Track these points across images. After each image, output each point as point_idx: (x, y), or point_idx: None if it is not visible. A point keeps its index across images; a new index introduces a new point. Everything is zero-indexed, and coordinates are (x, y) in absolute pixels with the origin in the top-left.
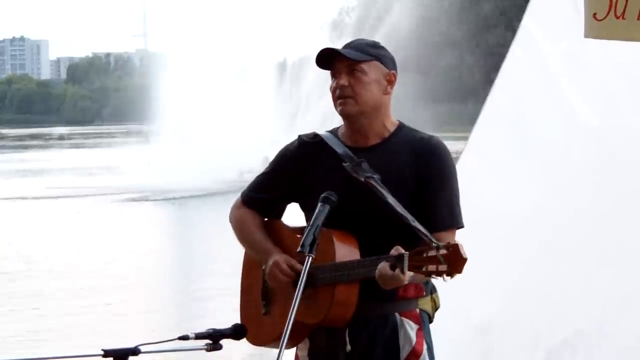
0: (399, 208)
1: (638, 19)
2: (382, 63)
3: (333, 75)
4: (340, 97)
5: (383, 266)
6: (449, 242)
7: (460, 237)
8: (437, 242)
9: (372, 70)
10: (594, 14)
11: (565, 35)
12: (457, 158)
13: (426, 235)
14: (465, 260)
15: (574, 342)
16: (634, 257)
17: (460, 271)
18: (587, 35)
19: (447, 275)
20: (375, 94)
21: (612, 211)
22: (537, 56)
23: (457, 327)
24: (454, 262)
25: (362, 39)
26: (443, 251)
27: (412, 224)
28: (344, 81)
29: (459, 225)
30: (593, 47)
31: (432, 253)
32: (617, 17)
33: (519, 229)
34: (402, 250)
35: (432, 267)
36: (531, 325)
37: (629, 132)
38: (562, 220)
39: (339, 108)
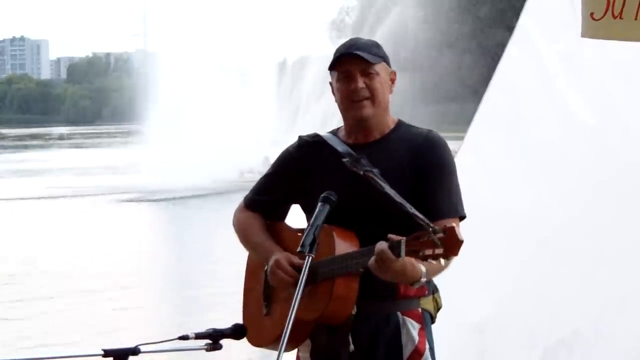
0: (397, 197)
1: (635, 19)
2: (386, 63)
3: (345, 78)
4: (358, 99)
5: (381, 243)
6: (445, 225)
7: None
8: (433, 226)
9: (382, 71)
10: (591, 14)
11: (562, 35)
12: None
13: (423, 220)
14: (461, 242)
15: (570, 342)
16: (631, 256)
17: (456, 253)
18: (584, 35)
19: (444, 258)
20: (386, 94)
21: (609, 211)
22: (534, 55)
23: (454, 327)
24: (450, 244)
25: (359, 39)
26: (439, 234)
27: (410, 211)
28: (361, 84)
29: (461, 213)
30: (590, 47)
31: (428, 237)
32: (615, 17)
33: (515, 228)
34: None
35: (428, 251)
36: (528, 324)
37: (626, 131)
38: (559, 220)
39: (358, 111)
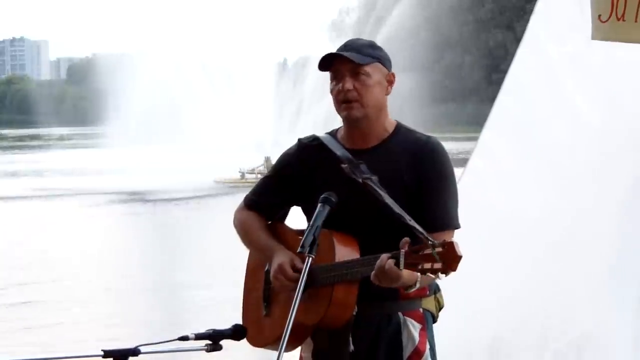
0: (396, 208)
1: (635, 21)
2: (382, 64)
3: (335, 78)
4: (346, 101)
5: (382, 257)
6: (444, 240)
7: (467, 238)
8: (433, 240)
9: (375, 72)
10: (599, 16)
11: (571, 37)
12: (455, 157)
13: (422, 234)
14: (460, 257)
15: (581, 344)
16: None
17: (455, 269)
18: (594, 37)
19: (442, 272)
20: (378, 96)
21: (619, 212)
22: (544, 58)
23: (465, 328)
24: (449, 259)
25: (358, 39)
26: (438, 249)
27: (409, 222)
28: (349, 85)
29: (456, 226)
30: (599, 49)
31: (427, 251)
32: (618, 19)
33: (526, 230)
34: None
35: (427, 265)
36: (539, 326)
37: (635, 133)
38: (570, 222)
39: (345, 112)
